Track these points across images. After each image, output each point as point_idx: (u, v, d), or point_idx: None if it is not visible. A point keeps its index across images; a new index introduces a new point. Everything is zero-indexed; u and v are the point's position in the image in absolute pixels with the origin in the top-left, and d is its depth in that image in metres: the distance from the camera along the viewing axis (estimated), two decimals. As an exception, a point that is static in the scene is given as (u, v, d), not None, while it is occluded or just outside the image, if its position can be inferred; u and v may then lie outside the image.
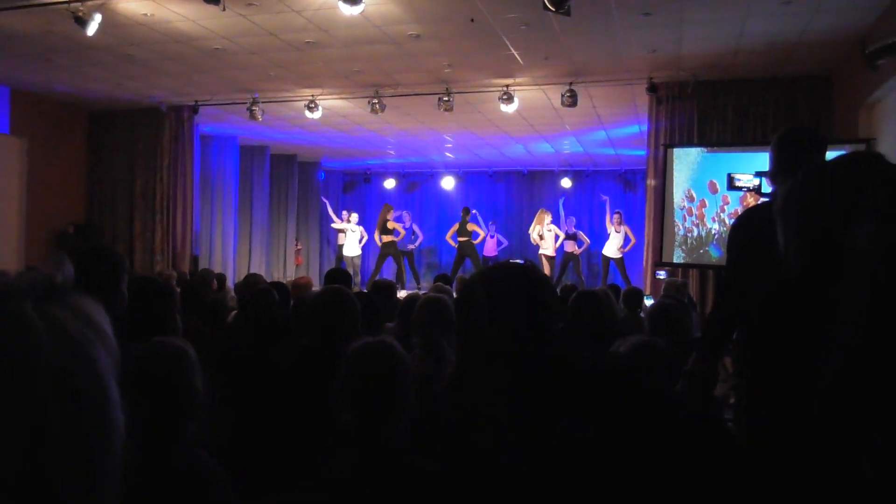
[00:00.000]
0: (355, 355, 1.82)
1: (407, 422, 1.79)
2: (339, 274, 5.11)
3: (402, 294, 5.78)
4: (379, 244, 13.74)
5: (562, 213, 13.80)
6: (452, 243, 14.10)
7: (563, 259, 13.83)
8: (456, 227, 14.09)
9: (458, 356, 1.86)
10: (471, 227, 13.85)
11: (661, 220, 8.72)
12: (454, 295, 6.10)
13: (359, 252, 13.77)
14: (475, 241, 13.89)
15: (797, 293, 1.69)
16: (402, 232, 14.05)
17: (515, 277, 1.57)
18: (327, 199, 16.74)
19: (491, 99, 9.51)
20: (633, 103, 9.91)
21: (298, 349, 2.81)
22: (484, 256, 14.30)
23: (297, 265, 15.77)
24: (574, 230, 14.07)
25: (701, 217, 8.55)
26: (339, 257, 14.38)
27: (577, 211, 16.48)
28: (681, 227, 8.66)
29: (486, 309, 1.52)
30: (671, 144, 8.82)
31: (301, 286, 5.91)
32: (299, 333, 3.37)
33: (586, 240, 14.23)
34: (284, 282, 6.81)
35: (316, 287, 7.55)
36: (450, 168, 17.05)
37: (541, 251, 13.33)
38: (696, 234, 8.57)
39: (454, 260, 13.89)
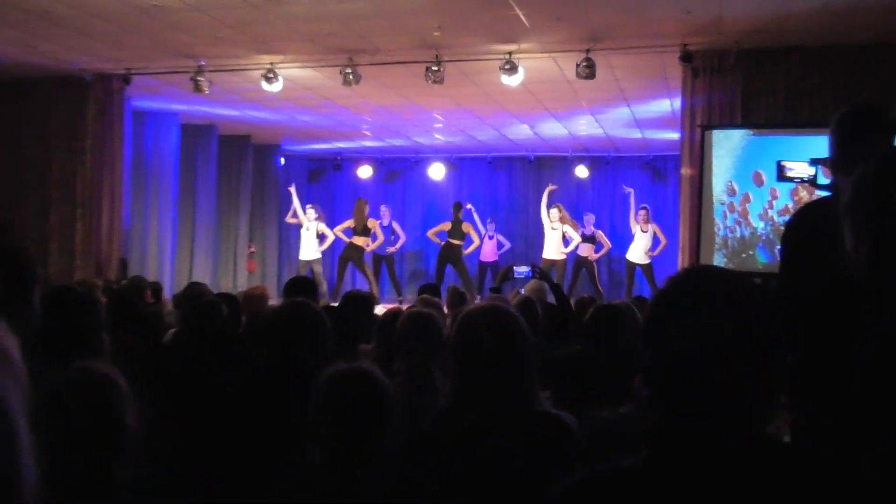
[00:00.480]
0: (330, 384, 1.82)
1: (388, 461, 1.79)
2: (302, 284, 5.12)
3: (380, 309, 5.78)
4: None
5: (633, 207, 13.61)
6: (436, 240, 14.07)
7: (575, 265, 13.90)
8: (446, 226, 14.04)
9: (452, 386, 1.95)
10: (465, 227, 13.76)
11: (698, 217, 8.77)
12: (444, 309, 6.16)
13: (317, 256, 13.67)
14: (467, 250, 13.80)
15: (868, 304, 1.69)
16: (381, 235, 14.01)
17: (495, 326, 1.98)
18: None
19: (490, 69, 9.53)
20: (663, 75, 9.95)
21: (251, 371, 2.81)
22: (481, 262, 14.35)
23: (249, 272, 15.74)
24: (592, 230, 14.12)
25: (744, 214, 8.61)
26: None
27: (595, 206, 16.55)
28: (721, 226, 8.71)
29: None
30: (709, 126, 8.87)
31: (255, 299, 5.91)
32: (253, 356, 3.35)
33: (607, 243, 14.28)
34: (235, 293, 6.79)
35: (274, 300, 7.49)
36: (439, 153, 17.11)
37: (546, 252, 13.30)
38: (738, 234, 8.62)
39: (436, 265, 13.85)
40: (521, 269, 5.86)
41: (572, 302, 6.77)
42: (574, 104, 11.81)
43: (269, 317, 2.84)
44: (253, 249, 15.99)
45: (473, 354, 2.16)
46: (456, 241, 13.67)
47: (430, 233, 14.39)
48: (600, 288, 13.87)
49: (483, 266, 14.32)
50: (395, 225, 14.98)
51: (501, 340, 2.17)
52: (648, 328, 1.34)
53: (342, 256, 13.69)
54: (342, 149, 17.40)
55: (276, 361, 2.70)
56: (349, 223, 13.92)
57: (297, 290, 4.88)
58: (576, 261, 13.88)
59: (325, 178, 18.67)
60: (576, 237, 13.50)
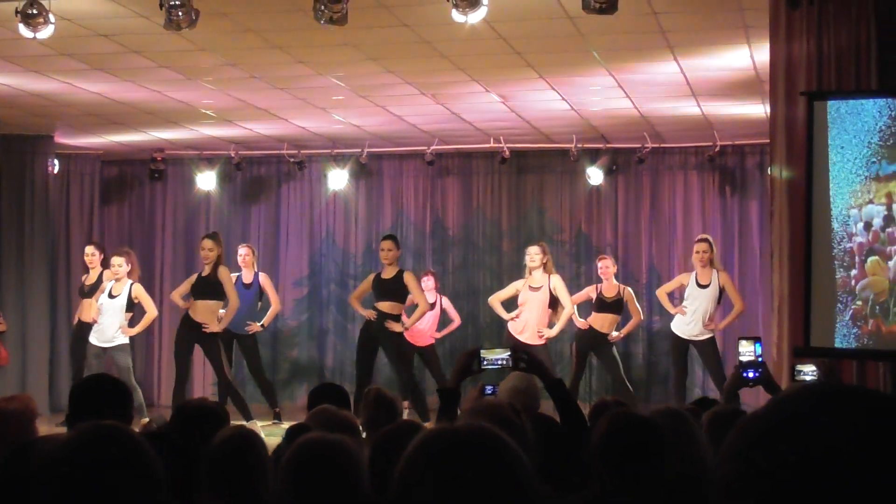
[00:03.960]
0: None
1: None
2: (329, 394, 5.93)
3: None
4: (187, 304, 13.68)
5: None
6: (358, 308, 13.99)
7: (581, 343, 14.11)
8: (369, 281, 13.88)
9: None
10: (407, 281, 13.63)
11: (808, 255, 8.84)
12: (360, 430, 6.12)
13: (122, 340, 13.72)
14: (404, 326, 13.74)
15: None
16: (234, 300, 13.93)
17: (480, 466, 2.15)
18: (69, 210, 16.63)
19: (430, -3, 9.61)
20: (737, 5, 10.13)
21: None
22: (414, 349, 14.51)
23: (-1, 366, 15.53)
24: (618, 288, 14.24)
25: (894, 243, 8.68)
26: (76, 350, 14.46)
27: (618, 237, 16.70)
28: (847, 266, 8.77)
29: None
30: (821, 93, 9.00)
31: (11, 420, 5.78)
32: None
33: (637, 312, 14.43)
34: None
35: (46, 424, 7.35)
36: (340, 147, 17.22)
37: (524, 329, 13.39)
38: (884, 284, 8.69)
39: (357, 350, 13.78)
40: (495, 355, 5.85)
41: (585, 410, 6.77)
42: (581, 58, 11.94)
43: (45, 456, 2.80)
44: (2, 325, 15.72)
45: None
46: (391, 307, 13.52)
47: (354, 299, 14.17)
48: (628, 385, 13.93)
49: (414, 353, 14.41)
50: (265, 280, 15.00)
51: (492, 501, 2.16)
52: (735, 470, 1.39)
53: (179, 338, 13.67)
54: (165, 143, 17.37)
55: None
56: (187, 283, 13.78)
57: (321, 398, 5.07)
58: (582, 338, 14.04)
59: (134, 195, 18.57)
60: (567, 305, 13.59)
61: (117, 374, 13.15)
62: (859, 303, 8.78)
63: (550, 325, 13.49)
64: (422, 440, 2.27)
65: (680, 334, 13.35)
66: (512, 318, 13.53)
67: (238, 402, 13.69)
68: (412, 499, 2.15)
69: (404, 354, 13.84)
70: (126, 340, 13.80)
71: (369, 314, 13.44)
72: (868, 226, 8.73)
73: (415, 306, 13.72)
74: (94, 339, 13.78)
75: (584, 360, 14.31)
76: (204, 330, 13.42)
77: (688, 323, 13.26)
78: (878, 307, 8.73)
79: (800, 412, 1.39)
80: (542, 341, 13.39)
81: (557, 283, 13.50)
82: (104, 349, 13.67)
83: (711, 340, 13.20)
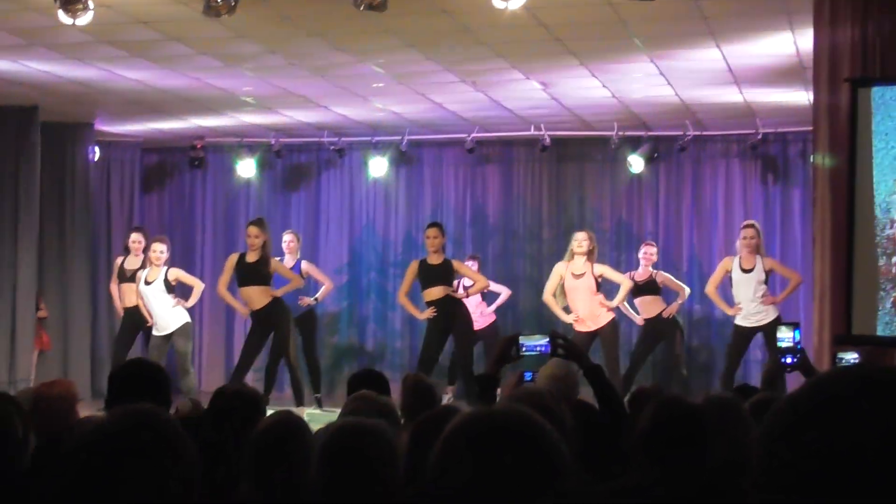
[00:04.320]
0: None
1: None
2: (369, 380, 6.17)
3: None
4: (245, 309, 13.85)
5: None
6: (411, 309, 13.95)
7: (649, 337, 14.35)
8: (414, 269, 13.82)
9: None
10: (457, 268, 13.67)
11: (850, 243, 8.78)
12: (398, 415, 6.11)
13: (180, 322, 13.85)
14: (463, 294, 13.81)
15: None
16: (297, 280, 14.18)
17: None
18: (110, 198, 16.74)
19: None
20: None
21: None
22: (477, 335, 14.52)
23: (39, 353, 15.70)
24: (650, 272, 14.34)
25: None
26: (123, 338, 14.64)
27: (660, 224, 16.64)
28: (890, 253, 8.73)
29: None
30: (866, 79, 8.93)
31: (52, 404, 5.86)
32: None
33: (679, 287, 14.59)
34: (13, 393, 6.70)
35: (88, 406, 7.40)
36: (380, 135, 17.23)
37: (577, 324, 13.37)
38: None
39: (426, 336, 13.78)
40: (534, 342, 5.82)
41: (626, 398, 6.74)
42: (622, 45, 11.90)
43: (82, 441, 2.79)
44: (42, 309, 15.84)
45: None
46: (437, 293, 13.45)
47: (402, 292, 14.06)
48: (683, 370, 13.96)
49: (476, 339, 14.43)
50: (309, 266, 15.23)
51: (529, 488, 2.14)
52: (770, 452, 1.37)
53: (258, 333, 13.82)
54: (204, 130, 17.43)
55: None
56: (228, 268, 13.83)
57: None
58: (647, 331, 14.18)
59: (174, 183, 18.66)
60: (623, 281, 13.61)
61: (176, 360, 13.47)
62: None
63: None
64: (460, 422, 2.26)
65: (744, 324, 13.26)
66: (570, 320, 13.45)
67: (296, 386, 13.81)
68: (449, 480, 2.15)
69: (471, 336, 13.82)
70: (186, 319, 13.94)
71: (428, 314, 13.37)
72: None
73: None
74: (155, 329, 13.93)
75: (647, 352, 14.42)
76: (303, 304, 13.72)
77: (747, 312, 13.20)
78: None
79: (827, 399, 1.36)
80: (608, 315, 13.42)
81: (603, 269, 13.56)
82: (165, 337, 13.82)
83: (778, 321, 12.96)
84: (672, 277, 14.69)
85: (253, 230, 13.66)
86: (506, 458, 2.13)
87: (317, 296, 15.27)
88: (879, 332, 8.74)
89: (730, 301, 13.47)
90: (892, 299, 8.69)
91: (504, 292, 15.85)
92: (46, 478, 3.86)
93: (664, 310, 14.20)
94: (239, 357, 13.98)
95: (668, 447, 3.96)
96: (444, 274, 13.42)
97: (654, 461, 3.95)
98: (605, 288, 13.55)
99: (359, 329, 17.93)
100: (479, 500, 2.14)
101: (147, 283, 13.89)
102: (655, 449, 3.98)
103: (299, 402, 13.66)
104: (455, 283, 14.06)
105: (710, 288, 13.83)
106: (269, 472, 4.10)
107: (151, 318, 13.88)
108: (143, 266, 14.33)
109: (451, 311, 13.29)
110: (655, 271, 14.48)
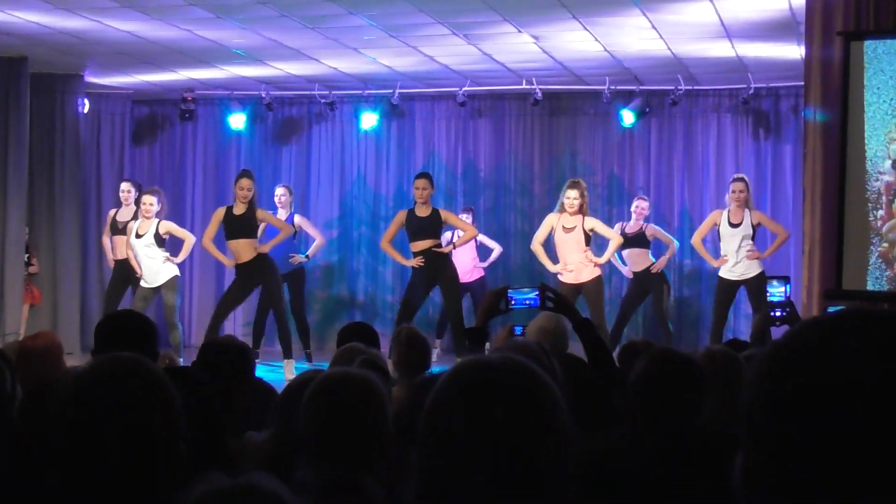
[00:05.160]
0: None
1: None
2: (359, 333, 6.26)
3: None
4: (230, 262, 13.89)
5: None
6: (396, 255, 13.95)
7: (636, 291, 14.47)
8: (400, 219, 13.82)
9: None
10: (446, 217, 13.62)
11: (840, 195, 8.78)
12: (390, 369, 6.12)
13: (169, 275, 13.87)
14: (448, 248, 13.77)
15: None
16: (288, 228, 14.21)
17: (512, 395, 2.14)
18: (100, 150, 16.70)
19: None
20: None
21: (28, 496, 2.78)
22: (464, 287, 14.58)
23: (30, 307, 15.73)
24: (641, 225, 14.47)
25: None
26: (114, 290, 14.63)
27: (651, 178, 16.68)
28: (878, 210, 8.72)
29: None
30: (858, 33, 8.91)
31: (37, 356, 5.90)
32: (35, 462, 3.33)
33: (668, 239, 14.75)
34: (1, 345, 6.71)
35: (75, 357, 7.39)
36: (371, 87, 17.25)
37: (562, 275, 13.32)
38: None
39: (407, 289, 13.79)
40: (523, 295, 5.80)
41: (615, 352, 6.75)
42: (614, -3, 11.86)
43: (66, 389, 2.79)
44: (33, 264, 15.83)
45: (460, 463, 2.11)
46: (431, 243, 13.40)
47: (385, 240, 14.05)
48: (669, 324, 14.03)
49: (463, 291, 14.43)
50: (301, 219, 15.32)
51: (524, 438, 2.11)
52: (758, 406, 1.36)
53: (241, 286, 13.87)
54: (195, 83, 17.40)
55: (76, 474, 2.68)
56: (215, 221, 13.83)
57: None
58: (634, 284, 14.34)
59: (165, 135, 18.66)
60: (613, 237, 13.60)
61: (164, 312, 13.47)
62: (885, 245, 8.72)
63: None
64: (453, 371, 2.24)
65: (728, 277, 13.33)
66: (558, 271, 13.42)
67: (284, 338, 13.82)
68: (442, 430, 2.13)
69: (459, 287, 13.81)
70: (175, 272, 13.92)
71: (415, 262, 13.35)
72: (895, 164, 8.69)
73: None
74: (143, 281, 13.91)
75: (634, 305, 14.51)
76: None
77: (732, 264, 13.26)
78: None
79: (812, 344, 1.35)
80: (594, 270, 13.32)
81: (594, 223, 13.41)
82: (153, 290, 13.83)
83: (761, 276, 12.96)
84: (662, 230, 14.77)
85: (247, 182, 13.62)
86: (499, 405, 2.10)
87: (308, 253, 15.30)
88: (869, 287, 8.75)
89: (716, 254, 13.52)
90: (877, 253, 8.70)
91: (496, 249, 15.89)
92: (34, 428, 3.86)
93: (652, 265, 14.25)
94: (216, 307, 14.01)
95: (661, 400, 3.96)
96: (431, 226, 13.37)
97: (646, 415, 3.95)
98: (596, 242, 13.53)
99: (349, 283, 17.96)
100: (471, 454, 2.12)
101: (138, 235, 13.85)
102: (647, 402, 3.97)
103: (287, 354, 13.69)
104: (450, 233, 14.10)
105: (696, 239, 13.88)
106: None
107: (140, 270, 13.86)
108: (134, 218, 14.34)
109: (437, 264, 13.29)
110: (646, 224, 14.58)
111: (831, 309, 8.62)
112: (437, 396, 2.21)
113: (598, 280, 13.37)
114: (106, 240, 15.12)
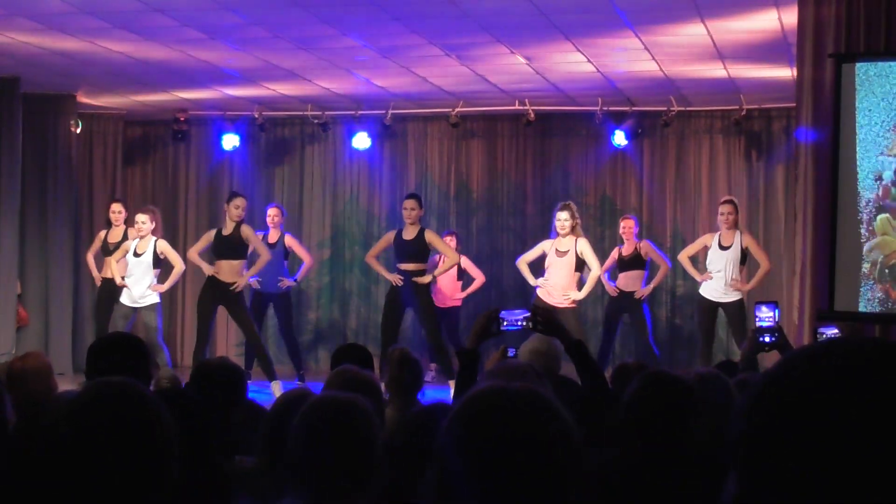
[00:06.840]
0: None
1: None
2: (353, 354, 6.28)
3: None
4: (211, 269, 13.81)
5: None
6: (380, 269, 14.05)
7: (610, 309, 14.39)
8: (389, 238, 13.96)
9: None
10: (430, 237, 13.68)
11: (832, 218, 8.79)
12: (382, 390, 6.12)
13: (151, 299, 13.82)
14: (432, 275, 13.83)
15: None
16: (266, 254, 14.14)
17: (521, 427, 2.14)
18: (92, 171, 16.68)
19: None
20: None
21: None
22: (440, 312, 14.56)
23: (18, 328, 15.71)
24: (635, 245, 14.44)
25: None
26: (102, 309, 14.51)
27: (643, 199, 16.67)
28: (867, 232, 8.72)
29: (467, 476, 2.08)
30: (849, 55, 8.93)
31: (27, 377, 5.89)
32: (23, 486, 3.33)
33: (661, 262, 14.62)
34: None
35: (66, 380, 7.38)
36: (364, 107, 17.25)
37: (550, 292, 13.32)
38: (894, 245, 8.64)
39: (383, 314, 13.87)
40: (513, 317, 5.77)
41: (609, 372, 6.75)
42: (607, 19, 11.87)
43: (59, 414, 2.79)
44: (17, 288, 15.80)
45: (476, 492, 2.12)
46: (415, 267, 13.53)
47: (372, 254, 14.26)
48: (654, 348, 13.99)
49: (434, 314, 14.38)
50: (291, 240, 15.15)
51: (534, 468, 2.12)
52: (749, 438, 1.37)
53: (203, 299, 13.82)
54: (188, 103, 17.40)
55: (70, 499, 2.67)
56: (205, 240, 13.88)
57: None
58: (612, 303, 14.25)
59: (157, 156, 18.66)
60: (594, 268, 13.47)
61: (144, 334, 13.33)
62: (867, 265, 8.72)
63: (579, 289, 13.46)
64: (470, 398, 2.25)
65: (708, 297, 13.36)
66: (538, 284, 13.43)
67: (265, 362, 13.80)
68: (459, 455, 2.13)
69: (434, 314, 13.83)
70: (157, 299, 13.86)
71: (395, 279, 13.44)
72: (878, 178, 8.69)
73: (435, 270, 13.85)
74: (125, 298, 13.82)
75: (613, 324, 14.42)
76: (233, 290, 13.53)
77: (715, 286, 13.26)
78: (887, 270, 8.68)
79: (804, 374, 1.36)
80: (571, 305, 13.35)
81: (584, 247, 13.36)
82: (134, 309, 13.73)
83: (740, 303, 13.13)
84: (655, 248, 14.67)
85: (241, 201, 13.72)
86: (517, 434, 2.12)
87: (297, 277, 15.21)
88: (861, 308, 8.75)
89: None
90: (871, 279, 8.70)
91: (478, 280, 15.75)
92: (27, 451, 3.85)
93: (637, 292, 14.14)
94: (197, 329, 13.97)
95: (654, 421, 3.96)
96: (416, 250, 13.48)
97: (641, 432, 3.96)
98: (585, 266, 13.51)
99: (341, 304, 17.93)
100: (488, 481, 2.13)
101: (136, 254, 13.78)
102: (641, 423, 3.98)
103: (270, 377, 13.69)
104: (438, 256, 14.12)
105: (683, 256, 13.90)
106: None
107: (124, 283, 13.76)
108: (125, 237, 14.32)
109: (413, 288, 13.39)
110: (640, 242, 14.49)
111: (822, 329, 8.66)
112: (454, 421, 2.21)
113: (574, 311, 13.35)
114: (90, 257, 15.10)
